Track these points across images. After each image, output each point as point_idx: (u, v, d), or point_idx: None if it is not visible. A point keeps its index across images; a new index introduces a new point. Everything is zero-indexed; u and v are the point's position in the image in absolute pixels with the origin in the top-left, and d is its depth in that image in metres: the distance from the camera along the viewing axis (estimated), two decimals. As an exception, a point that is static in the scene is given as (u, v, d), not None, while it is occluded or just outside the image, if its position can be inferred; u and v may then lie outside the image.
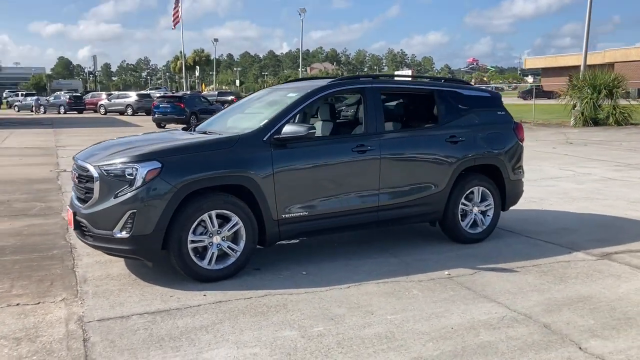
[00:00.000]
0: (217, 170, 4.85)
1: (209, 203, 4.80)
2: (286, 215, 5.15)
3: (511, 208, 6.72)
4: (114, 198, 4.64)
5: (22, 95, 58.54)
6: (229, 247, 4.94)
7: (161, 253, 4.78)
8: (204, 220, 4.81)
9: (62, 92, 58.48)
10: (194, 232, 4.80)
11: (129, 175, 4.64)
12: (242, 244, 4.98)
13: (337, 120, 6.67)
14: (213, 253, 4.88)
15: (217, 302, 4.45)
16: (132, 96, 45.68)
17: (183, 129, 6.47)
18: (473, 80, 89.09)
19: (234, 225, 4.93)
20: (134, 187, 4.60)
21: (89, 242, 4.93)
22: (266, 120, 5.24)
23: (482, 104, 6.49)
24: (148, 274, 5.07)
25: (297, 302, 4.46)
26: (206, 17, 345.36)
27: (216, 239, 4.88)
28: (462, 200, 6.12)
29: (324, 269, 5.28)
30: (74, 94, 52.61)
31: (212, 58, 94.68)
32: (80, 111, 46.55)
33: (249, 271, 5.16)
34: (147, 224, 4.60)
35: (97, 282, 4.90)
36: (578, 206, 8.25)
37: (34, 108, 47.18)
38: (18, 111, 50.14)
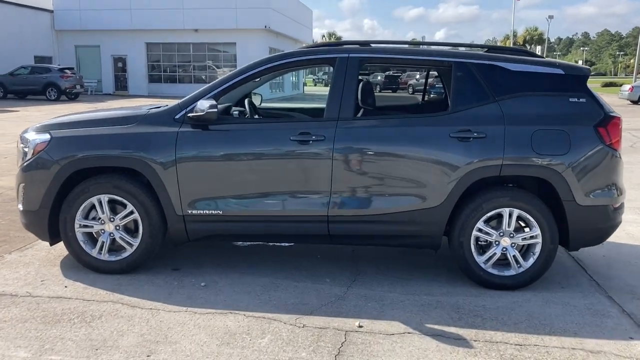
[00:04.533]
0: (107, 150, 4.24)
1: (96, 186, 4.24)
2: (193, 212, 4.25)
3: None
4: (19, 169, 4.48)
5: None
6: (121, 238, 4.33)
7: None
8: (98, 204, 4.29)
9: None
10: (86, 217, 4.33)
11: (25, 147, 4.41)
12: (139, 237, 4.31)
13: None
14: (104, 242, 4.33)
15: (55, 297, 3.92)
16: (416, 76, 45.61)
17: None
18: None
19: (128, 215, 4.29)
20: (25, 160, 4.36)
21: None
22: (190, 95, 4.38)
23: (542, 85, 4.26)
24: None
25: (123, 318, 3.62)
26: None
27: (108, 227, 4.32)
28: (480, 225, 4.17)
29: (233, 284, 4.22)
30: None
31: (544, 37, 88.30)
32: (394, 90, 48.43)
33: (153, 270, 4.45)
34: (34, 200, 4.31)
35: None
36: None
37: None
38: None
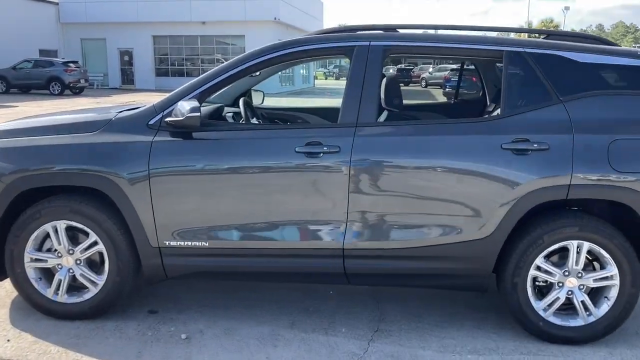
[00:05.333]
0: (63, 165, 3.34)
1: (50, 210, 3.35)
2: (172, 243, 3.34)
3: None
4: None
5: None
6: (83, 275, 3.43)
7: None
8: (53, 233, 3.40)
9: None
10: (38, 248, 3.45)
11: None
12: (105, 274, 3.41)
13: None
14: (61, 280, 3.44)
15: (-10, 358, 3.04)
16: (447, 70, 44.35)
17: None
18: None
19: (91, 246, 3.39)
20: None
21: None
22: (170, 94, 3.46)
23: (622, 82, 3.31)
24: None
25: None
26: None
27: (67, 261, 3.42)
28: (540, 261, 3.23)
29: (222, 337, 3.31)
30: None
31: (560, 28, 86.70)
32: (406, 84, 47.23)
33: (124, 313, 3.56)
34: (-26, 227, 3.43)
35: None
36: None
37: None
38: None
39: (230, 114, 4.13)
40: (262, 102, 4.98)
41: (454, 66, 28.09)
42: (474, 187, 3.17)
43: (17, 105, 19.17)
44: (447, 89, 25.53)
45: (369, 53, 3.34)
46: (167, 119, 3.28)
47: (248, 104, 4.13)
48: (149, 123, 3.35)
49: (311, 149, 3.21)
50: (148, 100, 3.50)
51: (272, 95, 26.49)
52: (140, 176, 3.26)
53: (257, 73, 4.03)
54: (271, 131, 3.49)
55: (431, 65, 41.33)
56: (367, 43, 3.37)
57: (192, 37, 33.48)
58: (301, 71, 39.42)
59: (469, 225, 3.21)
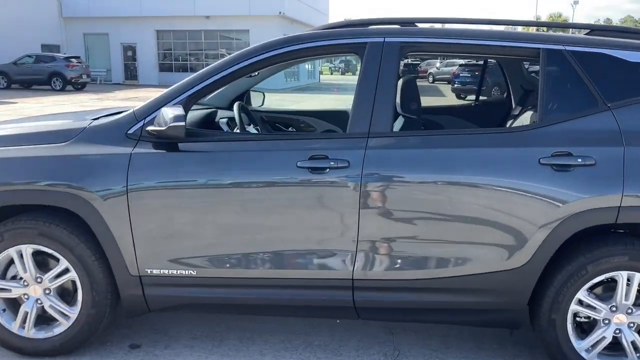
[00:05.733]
0: (28, 180, 2.89)
1: (14, 233, 2.90)
2: (155, 271, 2.89)
3: None
4: None
5: None
6: (53, 306, 2.98)
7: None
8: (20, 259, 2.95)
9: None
10: (2, 276, 3.00)
11: None
12: (78, 305, 2.96)
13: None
14: (28, 312, 2.99)
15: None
16: (456, 65, 43.68)
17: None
18: None
19: (62, 273, 2.94)
20: None
21: None
22: (152, 99, 3.00)
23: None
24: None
25: None
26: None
27: (34, 291, 2.97)
28: (583, 295, 2.76)
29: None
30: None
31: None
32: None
33: (100, 348, 3.11)
34: None
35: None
36: None
37: None
38: None
39: (225, 120, 3.67)
40: (263, 104, 4.53)
41: (462, 62, 27.45)
42: (507, 210, 2.70)
43: (16, 102, 18.77)
44: (455, 85, 24.93)
45: (383, 51, 2.86)
46: (149, 128, 2.82)
47: (244, 109, 3.66)
48: (128, 132, 2.89)
49: (315, 164, 2.75)
50: (151, 96, 3.01)
51: (276, 92, 26.00)
52: (116, 193, 2.80)
53: (255, 73, 3.57)
54: (268, 142, 3.00)
55: (438, 61, 40.64)
56: (382, 39, 2.89)
57: (196, 32, 32.98)
58: (306, 66, 38.87)
59: (501, 253, 2.74)
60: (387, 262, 2.79)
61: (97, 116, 3.20)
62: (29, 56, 26.40)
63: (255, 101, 4.41)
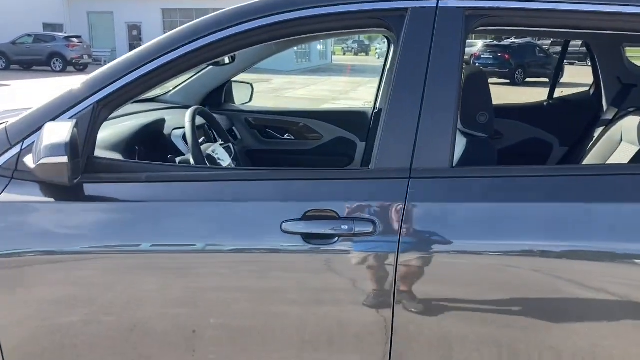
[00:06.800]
0: None
1: None
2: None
3: None
4: None
5: None
6: None
7: None
8: None
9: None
10: None
11: None
12: None
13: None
14: None
15: None
16: (477, 45, 42.14)
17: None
18: None
19: None
20: None
21: None
22: (31, 110, 1.77)
23: None
24: None
25: None
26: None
27: None
28: None
29: None
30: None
31: None
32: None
33: None
34: None
35: None
36: None
37: None
38: None
39: (181, 134, 2.39)
40: (250, 100, 3.31)
41: (488, 41, 26.09)
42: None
43: (9, 84, 17.67)
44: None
45: (436, 22, 1.61)
46: (25, 160, 1.61)
47: (207, 116, 2.38)
48: (-4, 164, 1.68)
49: (314, 227, 1.53)
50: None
51: (286, 74, 24.62)
52: (-29, 272, 1.61)
53: (226, 60, 2.32)
54: (229, 182, 1.70)
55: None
56: (434, 3, 1.63)
57: (203, 10, 31.66)
58: (318, 46, 37.44)
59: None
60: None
61: None
62: (28, 35, 25.28)
63: (240, 97, 3.19)
